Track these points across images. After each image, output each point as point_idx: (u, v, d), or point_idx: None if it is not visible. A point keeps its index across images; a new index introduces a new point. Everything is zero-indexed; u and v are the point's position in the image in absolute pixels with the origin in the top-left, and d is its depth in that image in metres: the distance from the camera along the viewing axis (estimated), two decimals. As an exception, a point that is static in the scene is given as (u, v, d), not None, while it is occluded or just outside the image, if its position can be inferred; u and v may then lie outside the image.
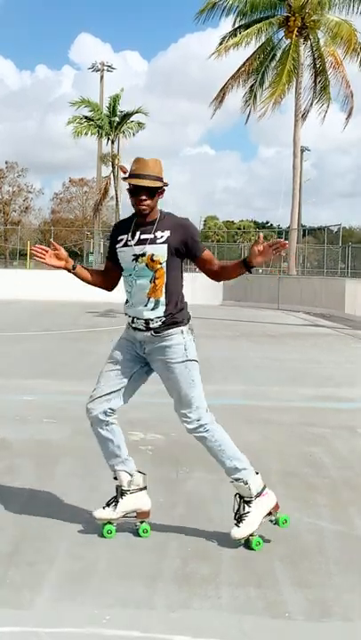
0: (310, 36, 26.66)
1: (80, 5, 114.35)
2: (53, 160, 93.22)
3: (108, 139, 37.12)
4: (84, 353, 10.66)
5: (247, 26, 26.62)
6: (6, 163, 57.91)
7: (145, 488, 3.61)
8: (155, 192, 3.41)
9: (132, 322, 3.51)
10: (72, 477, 4.46)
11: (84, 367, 9.19)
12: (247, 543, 3.41)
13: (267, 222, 76.48)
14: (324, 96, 27.36)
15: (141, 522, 3.57)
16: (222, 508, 3.90)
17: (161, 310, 3.43)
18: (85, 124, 35.89)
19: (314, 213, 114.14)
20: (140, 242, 3.42)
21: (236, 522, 3.44)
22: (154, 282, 3.41)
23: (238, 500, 3.49)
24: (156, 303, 3.42)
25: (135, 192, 3.40)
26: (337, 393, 7.85)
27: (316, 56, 27.25)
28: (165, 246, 3.39)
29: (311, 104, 27.67)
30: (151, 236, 3.41)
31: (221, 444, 3.48)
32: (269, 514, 3.52)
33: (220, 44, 27.06)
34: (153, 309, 3.43)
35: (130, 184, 3.40)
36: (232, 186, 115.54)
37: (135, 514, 3.58)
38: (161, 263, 3.39)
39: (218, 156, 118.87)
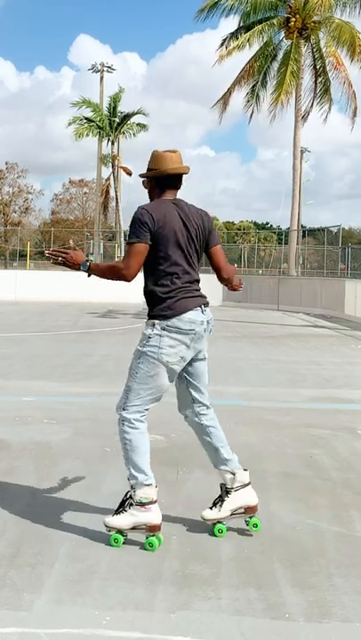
0: (311, 37, 26.66)
1: (79, 6, 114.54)
2: (53, 161, 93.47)
3: (109, 140, 37.12)
4: (85, 354, 10.66)
5: (248, 27, 26.63)
6: (6, 164, 57.99)
7: (249, 483, 3.64)
8: (144, 182, 3.66)
9: None
10: (72, 478, 4.45)
11: (84, 368, 9.19)
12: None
13: (267, 223, 76.61)
14: (325, 97, 27.36)
15: (250, 517, 3.62)
16: (222, 509, 3.90)
17: (146, 298, 3.57)
18: (86, 124, 35.90)
19: (313, 214, 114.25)
20: None
21: (115, 510, 3.48)
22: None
23: (127, 496, 3.49)
24: (145, 288, 3.56)
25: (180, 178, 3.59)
26: (337, 394, 7.85)
27: (316, 57, 27.25)
28: None
29: (312, 105, 27.69)
30: None
31: (128, 445, 3.44)
32: (146, 529, 3.42)
33: (222, 45, 27.08)
34: (144, 294, 3.58)
35: (175, 173, 3.53)
36: (231, 187, 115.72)
37: (243, 510, 3.61)
38: None
39: (217, 158, 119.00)
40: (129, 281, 3.45)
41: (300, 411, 6.79)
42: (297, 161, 27.86)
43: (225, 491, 3.62)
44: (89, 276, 3.56)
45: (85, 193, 61.52)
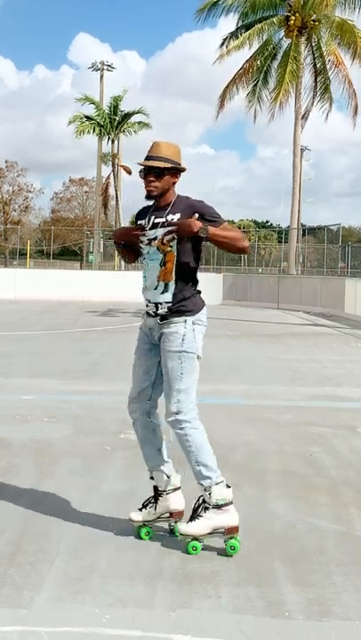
0: (311, 36, 26.63)
1: (78, 5, 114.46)
2: (53, 159, 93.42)
3: (109, 138, 37.11)
4: (85, 352, 10.67)
5: (247, 26, 26.60)
6: (6, 162, 57.91)
7: (180, 488, 3.57)
8: (162, 173, 3.39)
9: (147, 305, 3.53)
10: (72, 476, 4.46)
11: (84, 366, 9.19)
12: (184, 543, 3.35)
13: (267, 221, 76.55)
14: (325, 95, 27.34)
15: (176, 521, 3.52)
16: (222, 507, 3.90)
17: (169, 296, 3.41)
18: (87, 122, 35.90)
19: (313, 213, 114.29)
20: (154, 225, 3.44)
21: (190, 517, 3.40)
22: (164, 265, 3.40)
23: (200, 500, 3.43)
24: (166, 287, 3.41)
25: (143, 173, 3.41)
26: (337, 392, 7.85)
27: (316, 55, 27.22)
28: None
29: (313, 104, 27.67)
30: (163, 219, 3.42)
31: (194, 446, 3.39)
32: (224, 532, 3.35)
33: (222, 44, 27.04)
34: (162, 293, 3.42)
35: (141, 168, 3.42)
36: (231, 185, 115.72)
37: (170, 514, 3.54)
38: (171, 246, 3.39)
39: (217, 156, 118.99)
40: (248, 253, 3.48)
41: (300, 409, 6.79)
42: (297, 159, 27.83)
43: (158, 493, 3.53)
44: (205, 239, 3.35)
45: (86, 192, 61.49)
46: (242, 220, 73.92)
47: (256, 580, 3.07)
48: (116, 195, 37.94)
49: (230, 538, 3.33)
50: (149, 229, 3.45)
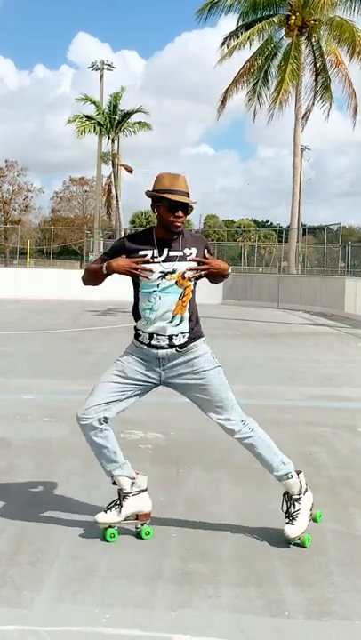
0: (312, 35, 26.63)
1: (78, 5, 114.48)
2: (53, 159, 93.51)
3: (109, 137, 37.10)
4: (84, 352, 10.66)
5: (248, 25, 26.60)
6: (6, 161, 57.96)
7: (146, 490, 3.59)
8: (188, 209, 3.40)
9: (151, 338, 3.44)
10: (72, 476, 4.46)
11: (83, 366, 9.19)
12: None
13: (267, 221, 76.50)
14: (326, 95, 27.34)
15: (142, 524, 3.55)
16: (222, 507, 3.90)
17: (185, 326, 3.44)
18: (87, 122, 35.91)
19: (312, 213, 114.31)
20: (169, 259, 3.38)
21: (286, 520, 3.51)
22: (182, 299, 3.40)
23: (287, 498, 3.55)
24: (182, 319, 3.43)
25: (174, 208, 3.34)
26: (337, 392, 7.85)
27: (317, 55, 27.22)
28: (195, 264, 3.38)
29: (313, 103, 27.67)
30: (180, 253, 3.39)
31: (267, 440, 3.58)
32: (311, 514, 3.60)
33: (223, 44, 27.04)
34: (178, 325, 3.42)
35: (167, 200, 3.33)
36: (231, 185, 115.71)
37: (136, 516, 3.55)
38: (191, 280, 3.40)
39: (217, 156, 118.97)
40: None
41: (300, 409, 6.80)
42: (297, 159, 27.84)
43: (122, 495, 3.53)
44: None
45: (86, 191, 61.50)
46: (242, 219, 73.94)
47: (256, 579, 3.07)
48: (117, 194, 37.92)
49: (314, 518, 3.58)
50: (163, 262, 3.38)
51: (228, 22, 25.01)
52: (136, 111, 36.25)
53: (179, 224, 3.36)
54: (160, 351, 3.44)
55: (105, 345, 11.65)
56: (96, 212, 43.24)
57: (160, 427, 5.63)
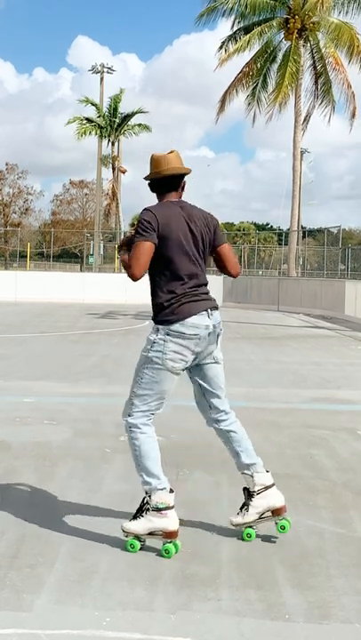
0: (310, 38, 26.66)
1: (78, 8, 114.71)
2: (53, 162, 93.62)
3: (109, 140, 37.17)
4: (85, 355, 10.67)
5: (246, 28, 26.62)
6: (6, 164, 58.06)
7: (273, 485, 3.58)
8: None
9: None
10: (72, 479, 4.46)
11: (84, 369, 9.19)
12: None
13: (267, 224, 76.55)
14: (326, 98, 27.35)
15: (280, 519, 3.54)
16: (222, 509, 3.90)
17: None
18: (87, 124, 35.99)
19: (312, 215, 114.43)
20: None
21: (133, 515, 3.44)
22: None
23: (144, 501, 3.44)
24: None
25: (179, 180, 3.54)
26: (337, 395, 7.85)
27: (316, 58, 27.25)
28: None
29: (314, 106, 27.70)
30: None
31: (138, 452, 3.41)
32: (163, 536, 3.37)
33: (220, 47, 27.05)
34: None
35: (174, 174, 3.50)
36: (230, 188, 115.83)
37: (270, 512, 3.53)
38: None
39: (217, 159, 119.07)
40: (134, 281, 3.43)
41: (300, 411, 6.79)
42: (297, 162, 27.84)
43: (248, 495, 3.56)
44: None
45: (86, 194, 61.57)
46: (242, 222, 73.95)
47: (256, 582, 3.07)
48: (116, 197, 37.96)
49: (168, 542, 3.34)
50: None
51: (228, 25, 25.03)
52: (136, 112, 36.35)
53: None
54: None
55: (105, 348, 11.65)
56: (96, 215, 43.28)
57: (160, 430, 5.59)
